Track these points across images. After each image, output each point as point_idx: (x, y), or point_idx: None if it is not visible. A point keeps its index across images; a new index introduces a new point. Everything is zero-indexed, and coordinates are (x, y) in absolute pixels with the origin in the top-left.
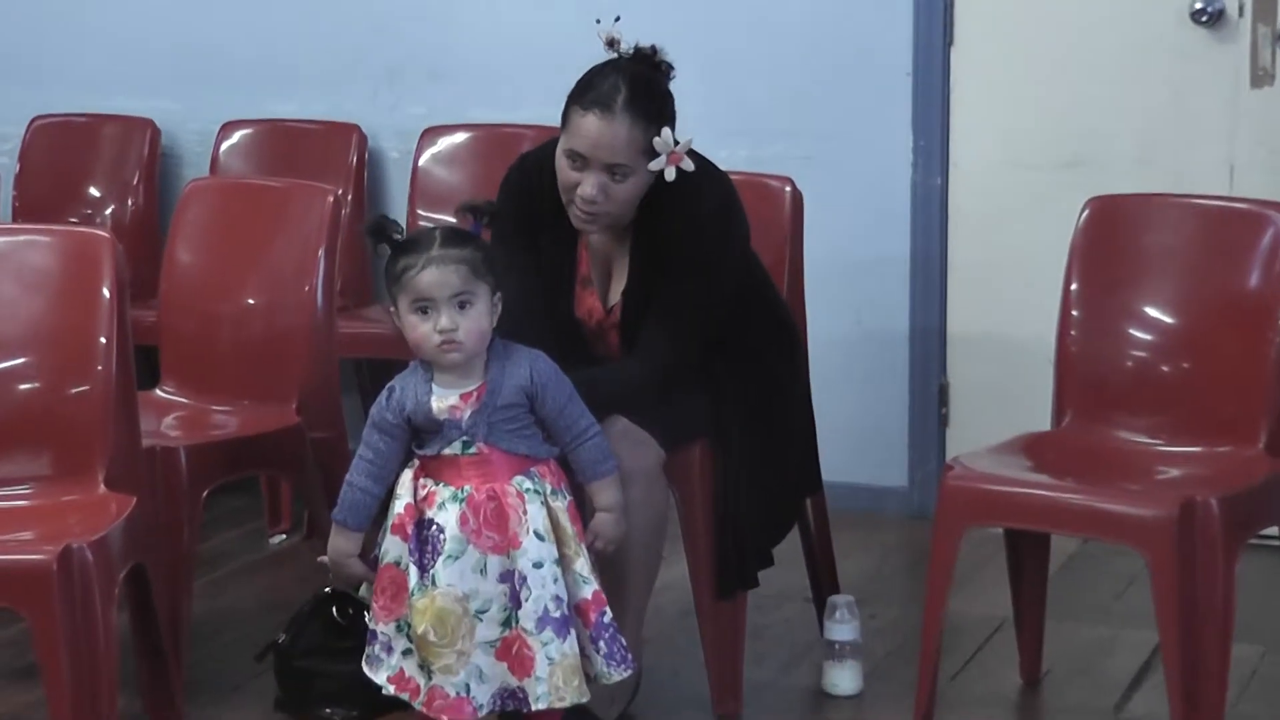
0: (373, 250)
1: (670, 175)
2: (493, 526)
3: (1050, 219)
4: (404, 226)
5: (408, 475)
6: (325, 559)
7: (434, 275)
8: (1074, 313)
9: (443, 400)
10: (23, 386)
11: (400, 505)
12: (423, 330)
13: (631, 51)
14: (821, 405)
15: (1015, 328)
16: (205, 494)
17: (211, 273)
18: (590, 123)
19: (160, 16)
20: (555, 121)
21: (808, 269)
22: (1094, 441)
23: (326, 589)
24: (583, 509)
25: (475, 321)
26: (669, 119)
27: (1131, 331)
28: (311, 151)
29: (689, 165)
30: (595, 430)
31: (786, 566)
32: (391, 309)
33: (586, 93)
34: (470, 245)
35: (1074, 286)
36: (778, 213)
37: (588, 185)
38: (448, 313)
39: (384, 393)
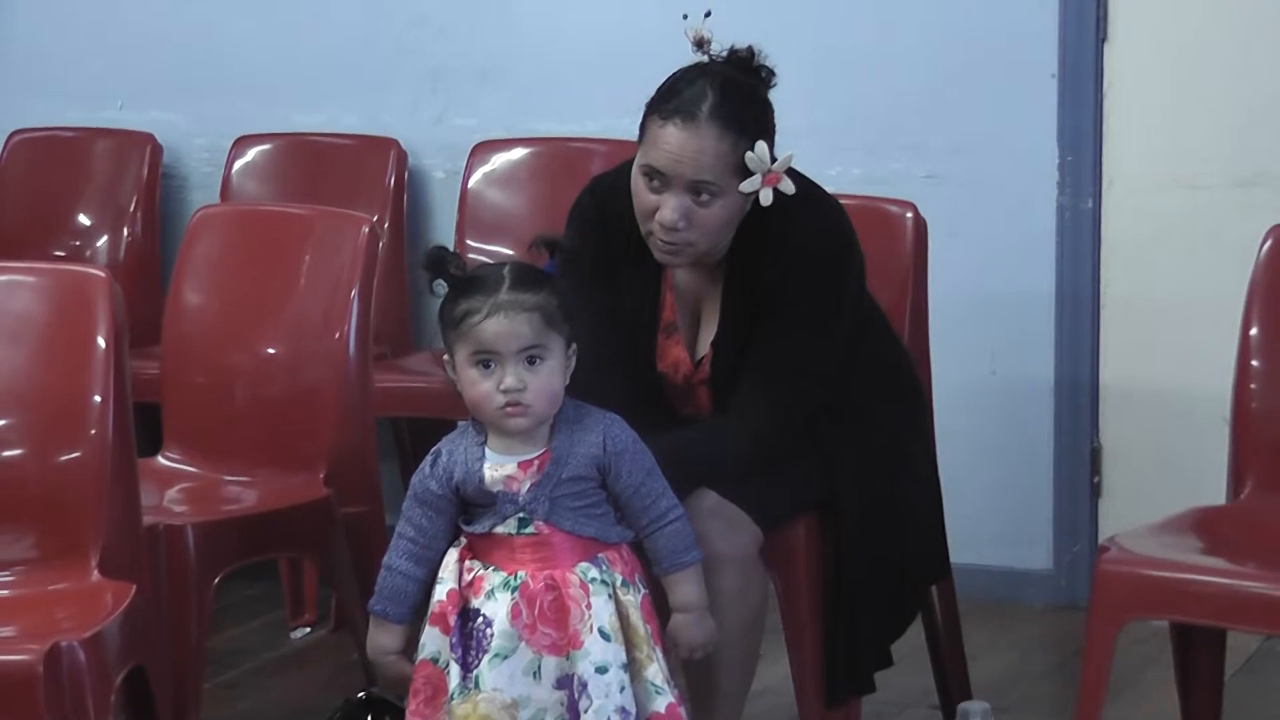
0: (428, 287)
1: (766, 199)
2: (550, 622)
3: (1225, 249)
4: (464, 262)
5: (452, 556)
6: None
7: (501, 324)
8: (1254, 362)
9: (498, 469)
10: (3, 454)
11: (442, 591)
12: (484, 388)
13: (724, 54)
14: (949, 472)
15: (1182, 380)
16: (217, 580)
17: (224, 317)
18: (671, 134)
19: (162, 13)
20: (631, 135)
21: (933, 309)
22: None
23: (361, 694)
24: (660, 604)
25: (546, 380)
26: (766, 132)
27: None
28: (342, 172)
29: (789, 187)
30: (678, 513)
31: (908, 667)
32: (446, 359)
33: (668, 100)
34: (545, 289)
35: (1254, 331)
36: (898, 243)
37: (668, 209)
38: (515, 369)
39: (428, 459)
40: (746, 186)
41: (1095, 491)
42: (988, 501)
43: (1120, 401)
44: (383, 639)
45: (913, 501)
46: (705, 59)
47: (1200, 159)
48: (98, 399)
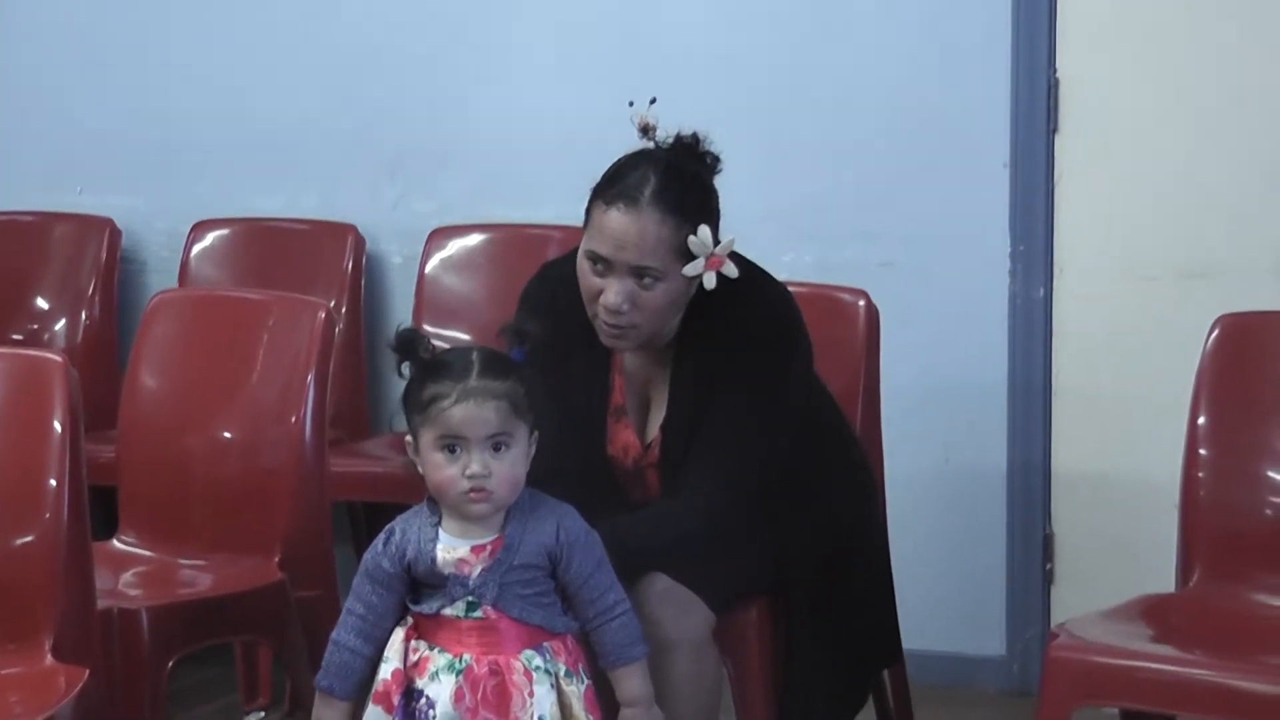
0: (395, 369)
1: (710, 282)
2: (491, 707)
3: (1173, 338)
4: (433, 345)
5: (398, 635)
6: None
7: (469, 410)
8: (1202, 451)
9: (450, 551)
10: None
11: (387, 670)
12: (448, 473)
13: (670, 140)
14: (902, 558)
15: (1133, 468)
16: (171, 664)
17: (180, 401)
18: (614, 219)
19: (120, 98)
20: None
21: (886, 397)
22: (1228, 606)
23: None
24: (603, 696)
25: (510, 468)
26: (709, 216)
27: (1272, 474)
28: (299, 256)
29: (733, 271)
30: (625, 606)
31: None
32: (409, 440)
33: (612, 185)
34: (513, 377)
35: (1201, 420)
36: (850, 331)
37: (612, 292)
38: (480, 455)
39: (381, 536)
40: (690, 270)
41: (1048, 578)
42: (941, 586)
43: (1072, 488)
44: (328, 714)
45: (864, 585)
46: (651, 145)
47: (1149, 249)
48: (53, 482)
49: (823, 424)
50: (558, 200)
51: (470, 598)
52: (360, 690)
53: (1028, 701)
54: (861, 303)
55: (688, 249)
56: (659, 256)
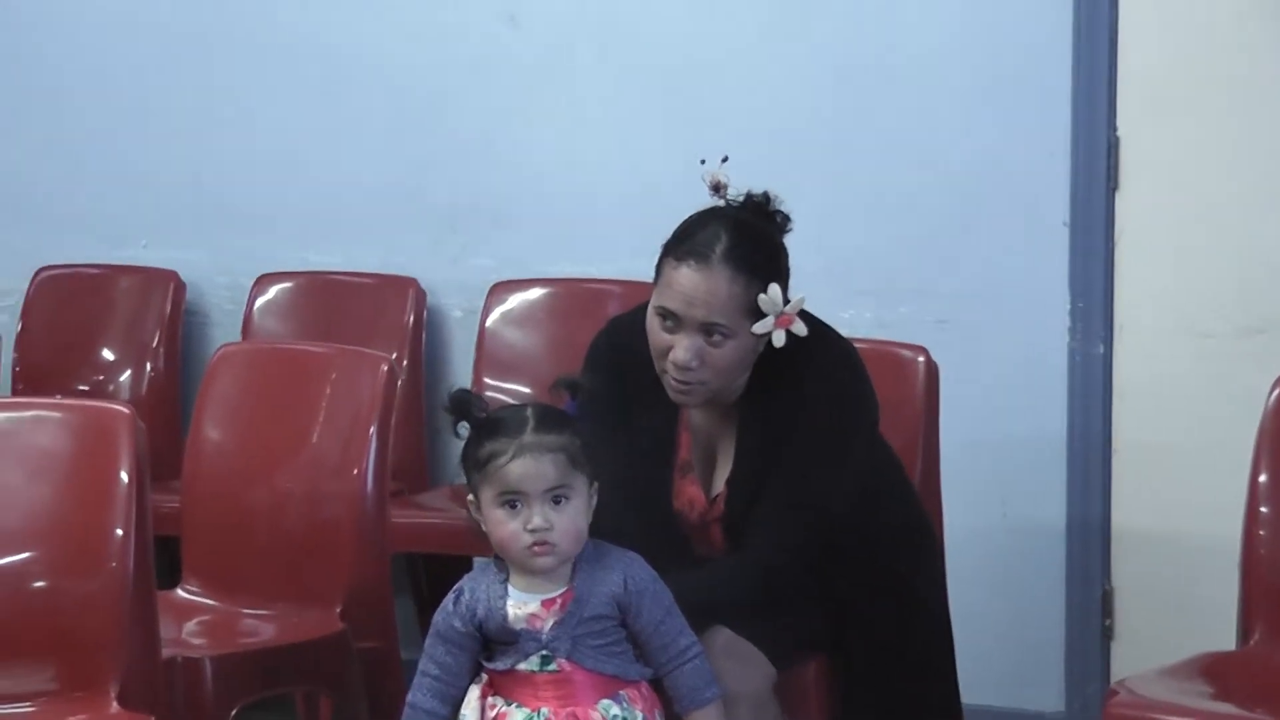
0: (451, 429)
1: (779, 340)
2: None
3: (1234, 396)
4: (487, 404)
5: (474, 693)
6: None
7: (527, 466)
8: (1263, 509)
9: (520, 607)
10: (25, 586)
11: None
12: (510, 528)
13: (741, 198)
14: (961, 613)
15: (1193, 524)
16: (234, 713)
17: (243, 453)
18: (684, 275)
19: (185, 155)
20: (646, 276)
21: (944, 453)
22: None
23: None
24: None
25: (572, 520)
26: (779, 275)
27: None
28: (361, 310)
29: (802, 329)
30: (697, 650)
31: None
32: (470, 499)
33: (683, 242)
34: (568, 430)
35: (1263, 478)
36: (909, 387)
37: (681, 349)
38: (541, 509)
39: (450, 596)
40: (759, 328)
41: (1107, 634)
42: (999, 643)
43: (1132, 545)
44: None
45: (924, 643)
46: (721, 203)
47: (1209, 306)
48: (119, 532)
49: (885, 482)
50: (618, 255)
51: (544, 652)
52: None
53: None
54: (921, 359)
55: (757, 307)
56: (729, 314)
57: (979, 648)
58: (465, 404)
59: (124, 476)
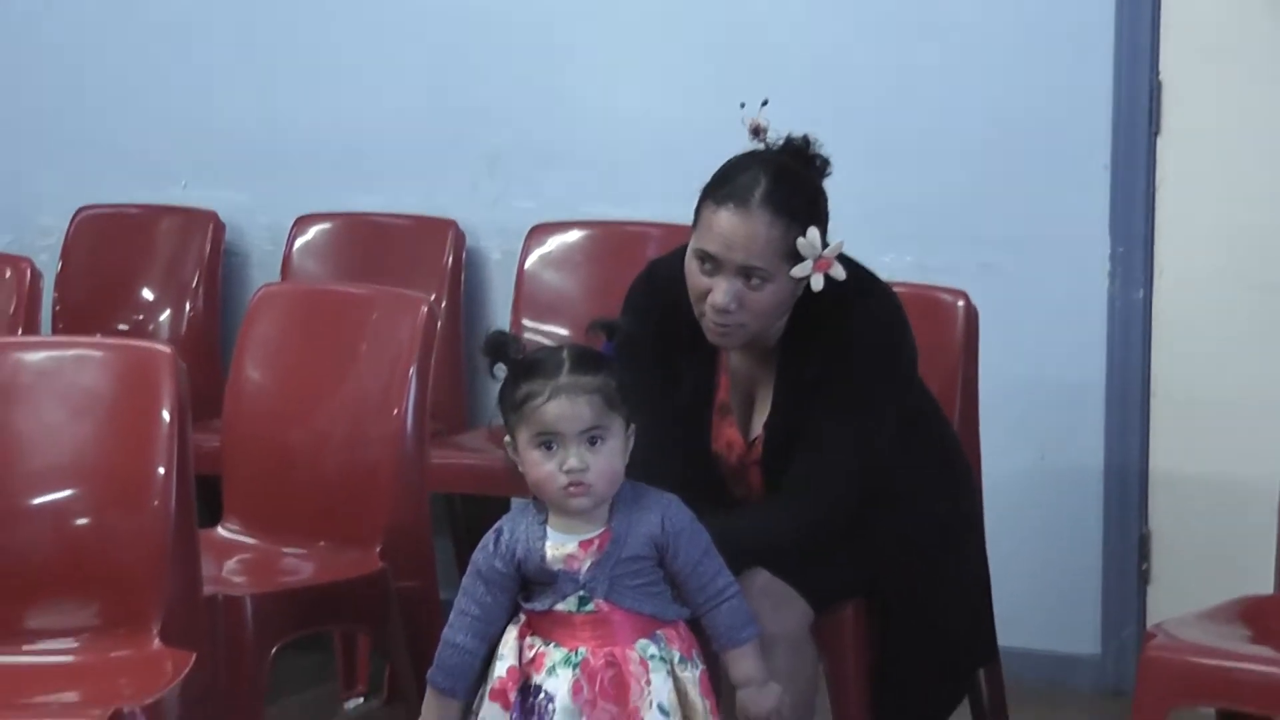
0: (488, 371)
1: (818, 284)
2: (610, 698)
3: (1273, 342)
4: (524, 345)
5: (512, 633)
6: None
7: (562, 407)
8: None
9: (559, 548)
10: (68, 523)
11: (503, 668)
12: (546, 469)
13: (780, 142)
14: (998, 557)
15: (1231, 469)
16: (273, 651)
17: (284, 394)
18: (723, 219)
19: (225, 93)
20: (685, 219)
21: (983, 397)
22: None
23: None
24: (716, 680)
25: (608, 461)
26: (818, 219)
27: None
28: (400, 252)
29: (840, 273)
30: (734, 590)
31: None
32: (507, 440)
33: (722, 185)
34: (604, 371)
35: None
36: (949, 331)
37: (719, 292)
38: (577, 450)
39: (490, 536)
40: (798, 271)
41: (1143, 578)
42: (1036, 586)
43: (1169, 489)
44: (444, 713)
45: (961, 586)
46: (761, 147)
47: (1250, 252)
48: (161, 471)
49: (923, 426)
50: (657, 198)
51: (581, 592)
52: (474, 688)
53: (1122, 701)
54: (961, 303)
55: (796, 251)
56: (767, 257)
57: (1016, 590)
58: (502, 345)
59: (165, 416)
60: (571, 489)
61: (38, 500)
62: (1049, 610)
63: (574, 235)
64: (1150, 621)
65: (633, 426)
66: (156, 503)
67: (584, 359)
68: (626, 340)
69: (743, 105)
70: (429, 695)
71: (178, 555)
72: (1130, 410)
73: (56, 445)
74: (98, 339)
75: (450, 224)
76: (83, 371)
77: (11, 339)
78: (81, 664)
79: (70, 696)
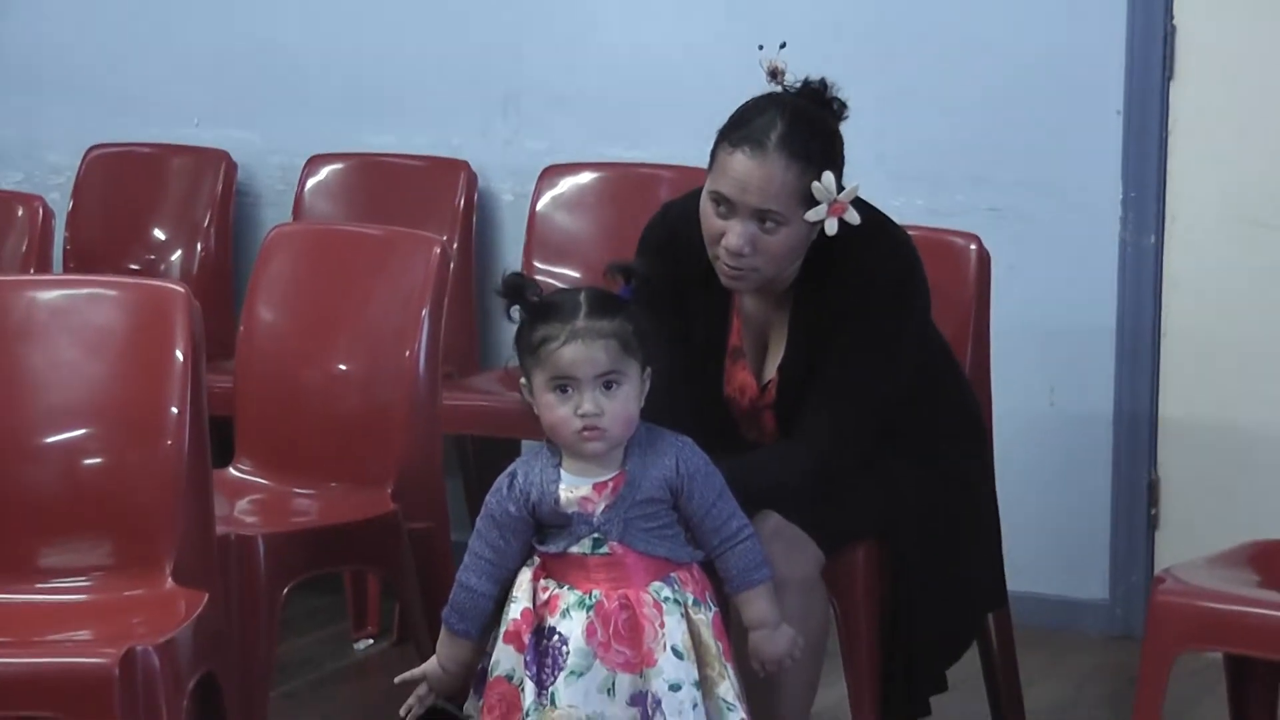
0: (505, 313)
1: (831, 228)
2: (624, 640)
3: None
4: (541, 288)
5: (526, 575)
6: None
7: (579, 351)
8: None
9: (572, 490)
10: (82, 462)
11: (516, 610)
12: (561, 412)
13: (798, 85)
14: (1007, 501)
15: (1240, 415)
16: (285, 591)
17: (297, 333)
18: (738, 161)
19: (238, 32)
20: (699, 162)
21: (993, 340)
22: None
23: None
24: (729, 623)
25: (623, 405)
26: (834, 163)
27: None
28: (412, 192)
29: (854, 218)
30: (748, 532)
31: (964, 692)
32: (523, 382)
33: (738, 128)
34: (620, 315)
35: None
36: (961, 275)
37: (734, 235)
38: (591, 394)
39: (503, 480)
40: (812, 215)
41: (1152, 523)
42: (1045, 531)
43: (1179, 435)
44: (458, 653)
45: (971, 529)
46: (779, 90)
47: (1263, 198)
48: (174, 410)
49: (935, 370)
50: (670, 140)
51: (595, 535)
52: (486, 630)
53: (1130, 646)
54: (973, 247)
55: (811, 194)
56: (782, 201)
57: (1024, 535)
58: (519, 287)
59: (179, 355)
60: (586, 433)
61: (51, 439)
62: (1058, 555)
63: (586, 177)
64: (1158, 567)
65: (649, 371)
66: (170, 442)
67: (602, 302)
68: (644, 283)
69: (760, 48)
70: (443, 635)
71: (191, 495)
72: (1140, 355)
73: (70, 384)
74: (111, 278)
75: (462, 165)
76: (97, 310)
77: (25, 277)
78: (94, 603)
79: (83, 635)
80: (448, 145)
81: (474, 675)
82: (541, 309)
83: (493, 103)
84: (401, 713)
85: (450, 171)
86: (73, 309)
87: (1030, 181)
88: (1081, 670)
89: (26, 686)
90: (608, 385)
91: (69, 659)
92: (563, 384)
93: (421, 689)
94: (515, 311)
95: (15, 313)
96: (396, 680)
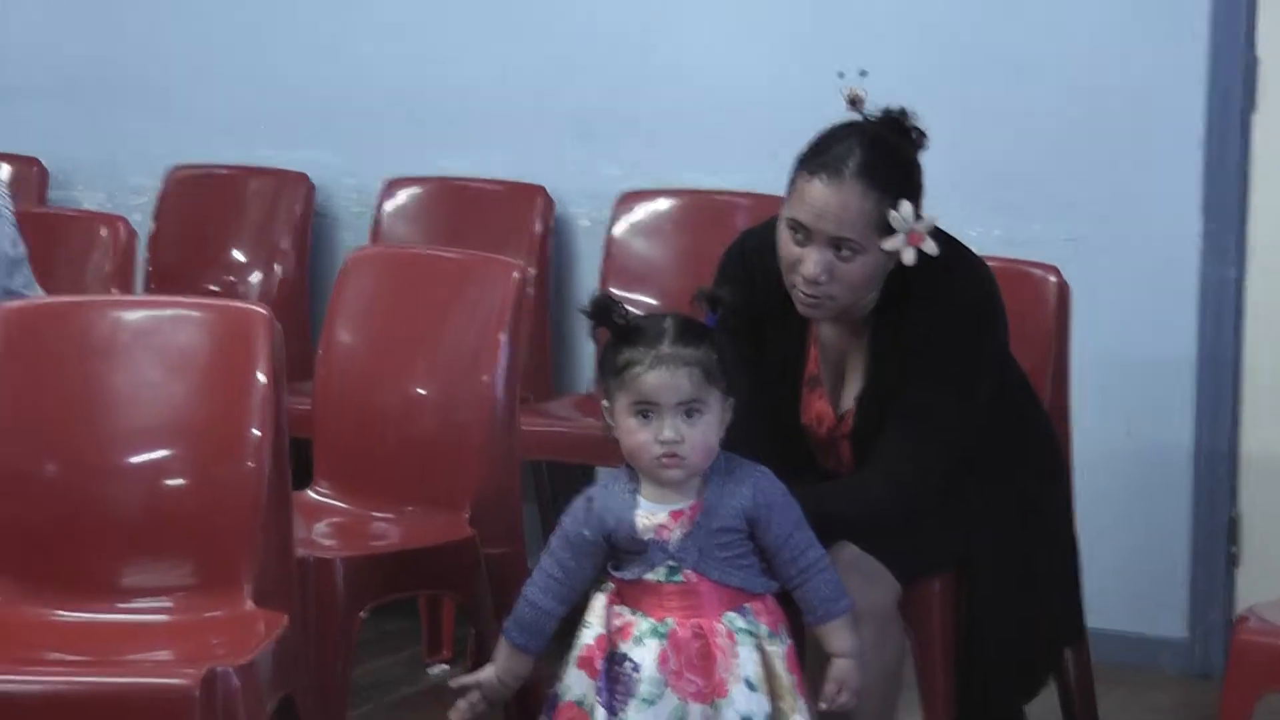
0: (589, 334)
1: (909, 258)
2: (697, 670)
3: None
4: (627, 311)
5: (600, 601)
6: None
7: (662, 377)
8: None
9: (649, 517)
10: (163, 483)
11: (590, 635)
12: (641, 438)
13: (878, 114)
14: (1086, 536)
15: None
16: (362, 615)
17: (375, 357)
18: (816, 189)
19: (317, 56)
20: (776, 189)
21: (1073, 373)
22: None
23: None
24: (802, 656)
25: (703, 434)
26: (912, 192)
27: None
28: (489, 216)
29: (932, 248)
30: (826, 562)
31: None
32: (604, 404)
33: (817, 155)
34: (706, 344)
35: None
36: (1040, 307)
37: (810, 262)
38: (673, 421)
39: (580, 503)
40: (889, 245)
41: (1232, 561)
42: (1123, 566)
43: (1260, 471)
44: (514, 666)
45: (1049, 564)
46: (859, 117)
47: None
48: (256, 432)
49: (1014, 401)
50: (747, 167)
51: (671, 562)
52: (548, 646)
53: (1209, 684)
54: (1053, 278)
55: (888, 223)
56: (859, 229)
57: (1103, 570)
58: (606, 309)
59: (261, 377)
60: (665, 460)
61: (134, 459)
62: (1136, 592)
63: (663, 203)
64: (1238, 605)
65: (730, 400)
66: (251, 464)
67: (687, 330)
68: (731, 311)
69: (841, 75)
70: (502, 646)
71: (271, 517)
72: (1221, 390)
73: (153, 404)
74: (195, 299)
75: (539, 190)
76: (180, 331)
77: (110, 298)
78: (175, 623)
79: (164, 655)
80: (525, 170)
81: (526, 689)
82: (627, 332)
83: (570, 127)
84: (451, 715)
85: (527, 196)
86: (156, 330)
87: (1109, 212)
88: (1160, 708)
89: (108, 706)
90: (689, 413)
91: (150, 679)
92: (644, 409)
93: (474, 695)
94: (596, 333)
95: (99, 333)
96: (451, 683)
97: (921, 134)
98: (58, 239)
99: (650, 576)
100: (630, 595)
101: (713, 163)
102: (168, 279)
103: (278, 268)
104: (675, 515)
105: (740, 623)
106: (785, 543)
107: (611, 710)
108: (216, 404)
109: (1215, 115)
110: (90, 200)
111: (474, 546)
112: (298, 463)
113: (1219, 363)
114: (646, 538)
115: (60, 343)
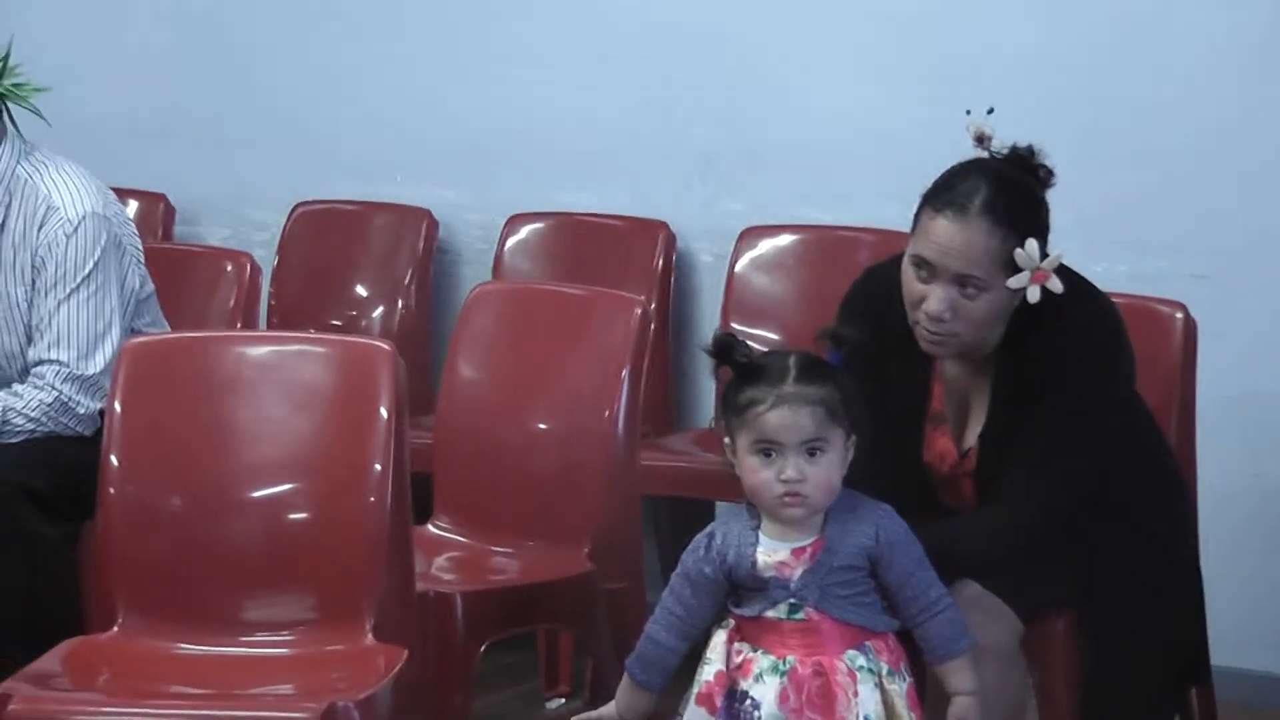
0: (711, 372)
1: (1034, 296)
2: (817, 708)
3: None
4: (750, 349)
5: (721, 638)
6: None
7: (785, 416)
8: None
9: (770, 555)
10: (286, 517)
11: (710, 672)
12: (763, 476)
13: (1005, 151)
14: (1210, 575)
15: None
16: (481, 649)
17: (497, 392)
18: (941, 226)
19: (440, 93)
20: (897, 225)
21: (1199, 411)
22: None
23: None
24: (923, 694)
25: (825, 472)
26: (1038, 230)
27: None
28: (610, 252)
29: (1058, 286)
30: (948, 601)
31: None
32: (726, 442)
33: (943, 192)
34: (830, 383)
35: None
36: (1166, 344)
37: (934, 299)
38: (795, 460)
39: (701, 539)
40: (1014, 283)
41: None
42: (1250, 604)
43: None
44: (636, 702)
45: (1174, 602)
46: (985, 155)
47: None
48: (378, 467)
49: (1139, 440)
50: (869, 203)
51: (792, 600)
52: (669, 682)
53: None
54: (1179, 315)
55: (1013, 261)
56: (983, 267)
57: (1229, 609)
58: (728, 347)
59: (384, 412)
60: (787, 499)
61: (257, 493)
62: (1263, 630)
63: (786, 239)
64: None
65: (853, 438)
66: (373, 499)
67: (810, 368)
68: (853, 350)
69: (968, 112)
70: (625, 683)
71: (392, 551)
72: None
73: (276, 439)
74: (318, 335)
75: (661, 225)
76: (304, 366)
77: (235, 333)
78: (296, 657)
79: (285, 689)
80: (646, 205)
81: None
82: (750, 370)
83: (691, 163)
84: None
85: (649, 232)
86: (280, 365)
87: (1237, 249)
88: None
89: None
90: (811, 452)
91: (272, 713)
92: (766, 448)
93: None
94: (719, 371)
95: (224, 368)
96: None
97: (1049, 172)
98: (183, 275)
99: (771, 614)
100: (751, 632)
101: (834, 198)
102: (291, 314)
103: (400, 303)
104: (797, 553)
105: (861, 660)
106: (907, 581)
107: None
108: (339, 439)
109: None
110: (215, 236)
111: (593, 581)
112: (418, 497)
113: None
114: (767, 575)
115: (185, 378)
